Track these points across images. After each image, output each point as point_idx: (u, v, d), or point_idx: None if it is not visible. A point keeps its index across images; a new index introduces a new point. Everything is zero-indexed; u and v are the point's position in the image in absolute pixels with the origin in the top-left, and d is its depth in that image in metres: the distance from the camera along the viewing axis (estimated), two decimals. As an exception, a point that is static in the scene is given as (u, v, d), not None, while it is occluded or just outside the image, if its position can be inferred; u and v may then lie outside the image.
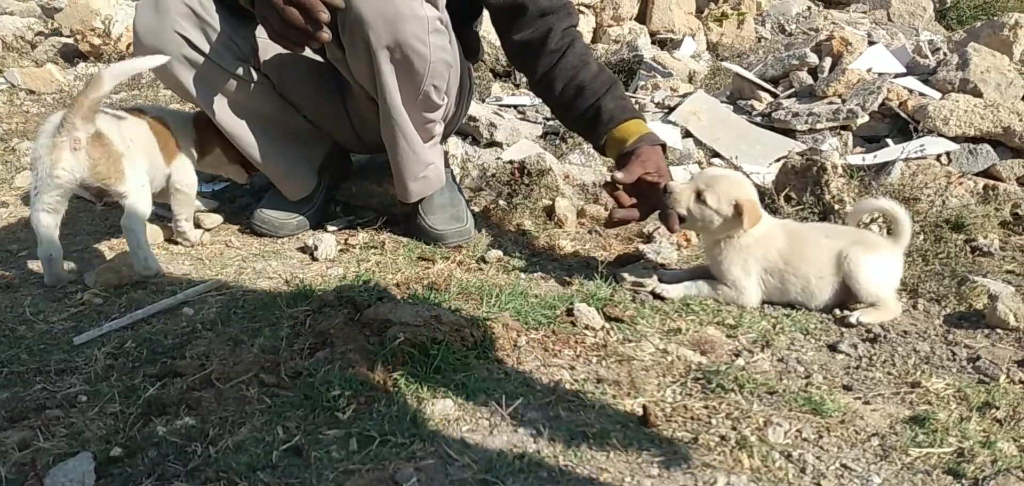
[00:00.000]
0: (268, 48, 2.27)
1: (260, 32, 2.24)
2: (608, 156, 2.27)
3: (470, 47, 2.47)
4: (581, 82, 2.21)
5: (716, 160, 3.13)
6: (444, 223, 2.38)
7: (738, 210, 1.94)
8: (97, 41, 5.15)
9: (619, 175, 2.09)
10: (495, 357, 1.64)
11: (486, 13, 2.41)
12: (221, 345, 1.68)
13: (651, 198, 2.09)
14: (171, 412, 1.44)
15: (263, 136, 2.34)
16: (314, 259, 2.24)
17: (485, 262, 2.23)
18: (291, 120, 2.43)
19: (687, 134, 3.25)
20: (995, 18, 4.19)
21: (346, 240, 2.37)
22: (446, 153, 2.79)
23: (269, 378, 1.54)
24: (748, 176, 2.92)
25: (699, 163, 3.10)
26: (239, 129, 2.30)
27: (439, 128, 2.36)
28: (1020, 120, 3.06)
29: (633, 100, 3.49)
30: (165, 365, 1.60)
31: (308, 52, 2.39)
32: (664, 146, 2.21)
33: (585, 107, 2.22)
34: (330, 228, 2.48)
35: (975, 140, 3.07)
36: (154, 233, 2.36)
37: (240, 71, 2.22)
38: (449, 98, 2.29)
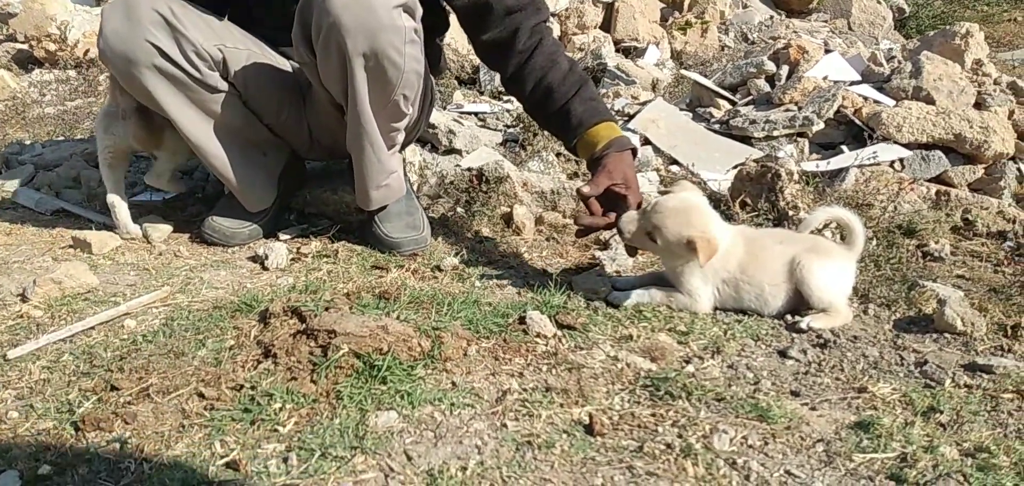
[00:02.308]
0: (237, 59, 2.25)
1: (229, 42, 2.22)
2: (581, 158, 2.26)
3: (433, 60, 2.47)
4: (550, 83, 2.20)
5: (674, 168, 3.14)
6: (400, 231, 2.35)
7: (691, 246, 1.89)
8: (53, 47, 5.04)
9: (585, 189, 2.09)
10: (444, 367, 1.61)
11: (452, 22, 2.41)
12: (161, 358, 1.63)
13: (619, 206, 2.09)
14: (106, 427, 1.40)
15: (228, 148, 2.32)
16: (265, 269, 2.20)
17: (440, 270, 2.20)
18: (254, 131, 2.40)
19: (646, 141, 3.26)
20: (948, 27, 4.27)
21: (298, 249, 2.33)
22: (405, 160, 2.77)
23: (209, 392, 1.50)
24: (705, 183, 2.94)
25: (657, 170, 3.11)
26: (205, 141, 2.27)
27: (402, 137, 2.35)
28: (971, 127, 3.11)
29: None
30: (103, 378, 1.55)
31: (274, 58, 2.38)
32: (635, 150, 2.20)
33: (554, 109, 2.21)
34: (283, 236, 2.44)
35: (927, 147, 3.12)
36: (102, 242, 2.30)
37: (210, 82, 2.20)
38: (414, 108, 2.29)
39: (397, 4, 1.97)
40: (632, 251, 2.01)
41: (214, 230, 2.38)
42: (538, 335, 1.79)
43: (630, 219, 2.01)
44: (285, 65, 2.41)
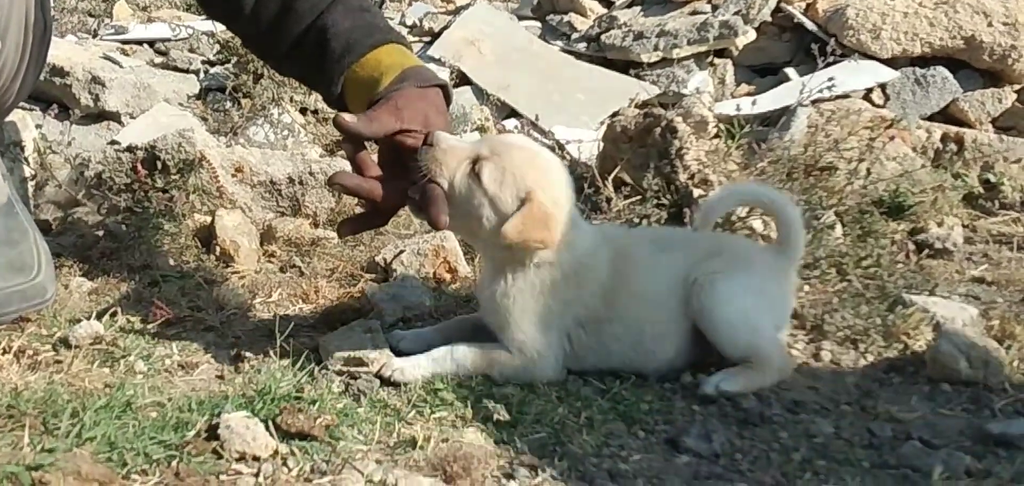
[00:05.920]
0: None
1: None
2: (352, 112, 2.24)
3: None
4: None
5: (510, 123, 3.19)
6: (-9, 277, 2.27)
7: (524, 205, 1.94)
8: None
9: (349, 120, 2.05)
10: (49, 538, 1.56)
11: None
12: None
13: (414, 173, 2.07)
14: None
15: None
16: None
17: (68, 347, 2.13)
18: None
19: (462, 79, 3.29)
20: None
21: None
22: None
23: None
24: (560, 146, 3.00)
25: (480, 127, 3.14)
26: None
27: (-16, 96, 2.30)
28: (990, 25, 3.32)
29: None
30: None
31: None
32: (445, 88, 2.20)
33: (299, 31, 2.23)
34: None
35: (924, 61, 3.30)
36: None
37: None
38: (8, 43, 2.25)
39: None
40: (428, 209, 2.00)
41: None
42: (241, 457, 1.76)
43: (453, 140, 2.04)
44: None
